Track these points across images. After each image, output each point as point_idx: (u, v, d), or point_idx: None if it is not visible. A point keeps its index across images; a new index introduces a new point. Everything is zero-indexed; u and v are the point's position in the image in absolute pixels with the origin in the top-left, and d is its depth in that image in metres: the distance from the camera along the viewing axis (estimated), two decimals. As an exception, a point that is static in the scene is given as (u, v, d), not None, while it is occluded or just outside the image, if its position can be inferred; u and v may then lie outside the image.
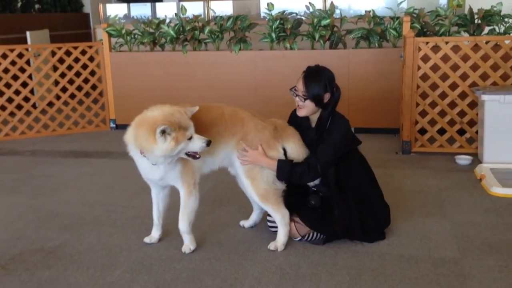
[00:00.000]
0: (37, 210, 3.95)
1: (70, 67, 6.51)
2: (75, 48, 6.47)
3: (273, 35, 6.12)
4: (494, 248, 3.16)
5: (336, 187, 3.21)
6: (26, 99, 6.35)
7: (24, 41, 7.84)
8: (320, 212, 3.23)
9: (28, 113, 6.40)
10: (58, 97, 6.51)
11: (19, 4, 8.87)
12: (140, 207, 3.93)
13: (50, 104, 6.49)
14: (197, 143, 2.86)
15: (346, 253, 3.15)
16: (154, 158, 2.84)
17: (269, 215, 3.31)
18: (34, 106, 6.46)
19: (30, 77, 6.32)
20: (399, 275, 2.88)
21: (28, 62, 6.35)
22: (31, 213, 3.90)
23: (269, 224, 3.36)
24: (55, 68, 6.49)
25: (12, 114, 6.32)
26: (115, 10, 10.25)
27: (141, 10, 10.48)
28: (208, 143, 2.87)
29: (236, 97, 6.02)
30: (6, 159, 5.49)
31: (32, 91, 6.39)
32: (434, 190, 4.23)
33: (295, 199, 3.31)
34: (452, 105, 5.18)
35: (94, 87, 6.69)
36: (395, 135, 5.94)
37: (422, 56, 5.11)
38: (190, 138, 2.84)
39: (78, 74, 6.56)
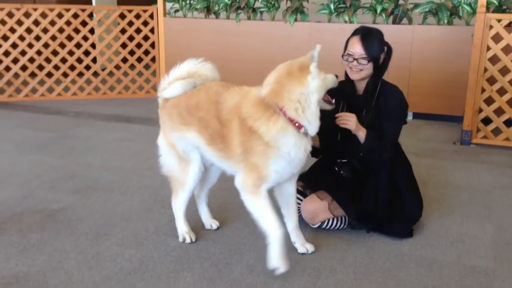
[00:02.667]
0: (56, 171, 3.88)
1: (123, 31, 6.43)
2: (130, 11, 6.36)
3: (332, 6, 5.68)
4: (539, 262, 2.65)
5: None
6: (79, 60, 6.35)
7: (89, 2, 7.88)
8: (349, 187, 2.87)
9: (80, 74, 6.41)
10: (110, 60, 6.47)
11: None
12: (156, 177, 3.70)
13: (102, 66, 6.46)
14: (331, 78, 2.51)
15: (360, 248, 2.77)
16: (310, 107, 2.39)
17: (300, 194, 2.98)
18: (87, 67, 6.45)
19: (84, 38, 6.30)
20: (414, 280, 2.47)
21: (83, 24, 6.32)
22: (50, 173, 3.82)
23: None
24: (108, 31, 6.43)
25: (65, 74, 6.36)
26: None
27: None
28: (337, 77, 2.57)
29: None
30: (49, 118, 5.51)
31: (86, 53, 6.37)
32: (486, 188, 3.70)
33: (319, 175, 2.97)
34: (525, 93, 4.53)
35: (146, 52, 6.58)
36: (458, 124, 5.33)
37: (493, 35, 4.49)
38: None
39: (131, 38, 6.46)
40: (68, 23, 6.20)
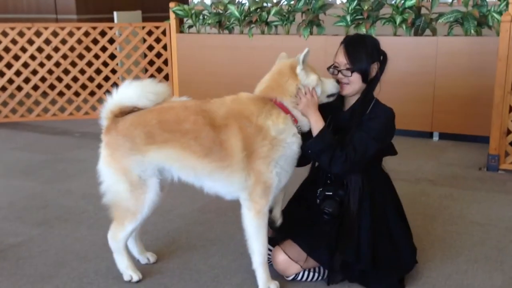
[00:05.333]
0: (32, 198, 3.66)
1: (136, 48, 6.24)
2: (142, 28, 6.17)
3: (348, 18, 5.26)
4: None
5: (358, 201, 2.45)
6: (91, 79, 6.21)
7: (111, 21, 7.78)
8: (328, 232, 2.44)
9: (92, 93, 6.26)
10: (122, 78, 6.29)
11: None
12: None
13: (115, 85, 6.28)
14: (330, 83, 2.44)
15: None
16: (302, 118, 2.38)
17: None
18: (98, 86, 6.29)
19: (96, 56, 6.15)
20: None
21: (94, 41, 6.18)
22: (24, 201, 3.61)
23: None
24: (120, 48, 6.26)
25: (77, 93, 6.23)
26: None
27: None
28: (338, 82, 2.46)
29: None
30: (53, 139, 5.36)
31: (97, 71, 6.23)
32: (505, 225, 3.17)
33: (295, 216, 2.58)
34: (561, 112, 3.95)
35: (159, 70, 6.36)
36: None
37: (522, 46, 3.95)
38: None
39: (143, 55, 6.27)
40: (79, 41, 6.07)
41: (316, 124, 2.37)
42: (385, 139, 2.45)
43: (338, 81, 2.45)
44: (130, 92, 2.44)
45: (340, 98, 2.54)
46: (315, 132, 2.36)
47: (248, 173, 2.30)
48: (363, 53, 2.44)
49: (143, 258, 2.74)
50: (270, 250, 2.56)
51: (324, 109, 2.56)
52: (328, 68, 2.50)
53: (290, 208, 2.69)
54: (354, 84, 2.44)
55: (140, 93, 2.42)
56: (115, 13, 7.79)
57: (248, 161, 2.29)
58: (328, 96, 2.46)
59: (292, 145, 2.34)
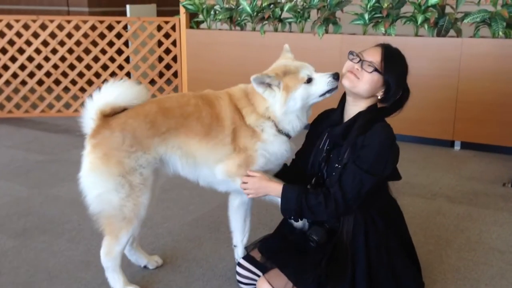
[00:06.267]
0: (16, 204, 3.44)
1: (144, 43, 6.00)
2: (150, 23, 5.92)
3: (366, 16, 4.91)
4: None
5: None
6: (98, 75, 5.99)
7: (124, 14, 7.56)
8: (320, 260, 2.15)
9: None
10: (128, 75, 6.06)
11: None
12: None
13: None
14: (321, 82, 2.16)
15: None
16: (284, 122, 2.22)
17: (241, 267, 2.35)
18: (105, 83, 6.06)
19: (103, 52, 5.93)
20: None
21: (101, 36, 5.95)
22: (7, 207, 3.39)
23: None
24: (127, 44, 6.02)
25: (82, 89, 6.02)
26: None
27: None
28: (336, 76, 2.16)
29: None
30: (52, 138, 5.15)
31: (104, 67, 6.00)
32: (529, 253, 2.82)
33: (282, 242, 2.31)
34: None
35: (168, 66, 6.10)
36: (516, 157, 4.39)
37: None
38: (309, 81, 2.16)
39: (151, 51, 6.02)
40: (85, 35, 5.85)
41: (275, 192, 2.17)
42: (383, 172, 2.08)
43: (337, 74, 2.15)
44: (127, 90, 2.23)
45: (339, 112, 2.25)
46: (278, 198, 2.15)
47: (234, 145, 2.20)
48: (398, 68, 2.15)
49: (152, 263, 2.61)
50: (258, 276, 2.28)
51: (320, 122, 2.36)
52: (350, 53, 2.17)
53: (281, 229, 2.41)
54: (363, 84, 2.11)
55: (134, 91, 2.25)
56: (127, 6, 7.57)
57: (235, 136, 2.20)
58: (322, 95, 2.19)
59: (272, 143, 2.22)
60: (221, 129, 2.20)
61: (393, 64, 2.14)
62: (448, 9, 4.70)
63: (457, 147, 4.78)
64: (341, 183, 2.05)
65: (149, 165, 2.20)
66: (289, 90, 2.15)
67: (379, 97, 2.17)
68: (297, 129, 2.26)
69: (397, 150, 2.13)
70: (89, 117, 2.22)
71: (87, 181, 2.22)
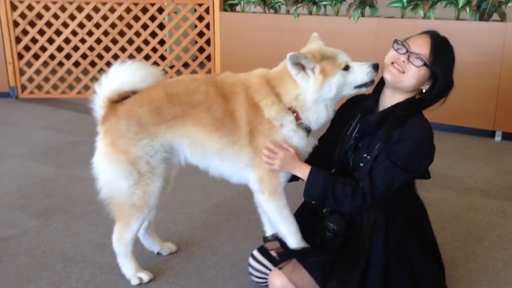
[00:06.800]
0: (41, 184, 3.49)
1: (177, 26, 5.96)
2: (184, 5, 5.87)
3: (405, -1, 4.71)
4: None
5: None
6: (132, 57, 5.98)
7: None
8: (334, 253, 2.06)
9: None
10: (162, 58, 6.05)
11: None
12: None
13: (155, 64, 6.06)
14: (360, 71, 2.04)
15: None
16: (310, 112, 2.08)
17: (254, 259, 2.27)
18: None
19: (137, 34, 5.93)
20: None
21: (135, 18, 5.95)
22: (33, 187, 3.44)
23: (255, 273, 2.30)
24: (161, 26, 6.00)
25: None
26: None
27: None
28: (376, 67, 2.04)
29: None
30: (86, 120, 5.11)
31: (138, 49, 6.01)
32: None
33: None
34: None
35: (201, 50, 6.05)
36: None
37: None
38: (346, 68, 2.04)
39: (185, 34, 5.98)
40: (120, 18, 5.87)
41: (301, 172, 2.05)
42: (417, 170, 1.96)
43: (377, 65, 2.03)
44: (128, 74, 2.17)
45: (374, 100, 2.10)
46: (304, 179, 2.04)
47: (254, 150, 2.10)
48: (447, 61, 2.00)
49: (165, 249, 2.59)
50: (270, 270, 2.20)
51: (350, 106, 2.21)
52: (396, 41, 2.01)
53: (300, 219, 2.30)
54: (409, 78, 1.96)
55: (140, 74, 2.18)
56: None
57: (252, 137, 2.09)
58: (357, 87, 2.07)
59: (291, 138, 2.09)
60: (235, 129, 2.10)
61: (442, 57, 1.98)
62: (492, -8, 4.44)
63: (498, 137, 4.54)
64: (372, 177, 1.93)
65: (157, 153, 2.15)
66: (326, 75, 2.01)
67: (423, 91, 2.03)
68: (321, 121, 2.12)
69: (434, 148, 1.99)
70: (98, 105, 2.19)
71: (98, 166, 2.23)
